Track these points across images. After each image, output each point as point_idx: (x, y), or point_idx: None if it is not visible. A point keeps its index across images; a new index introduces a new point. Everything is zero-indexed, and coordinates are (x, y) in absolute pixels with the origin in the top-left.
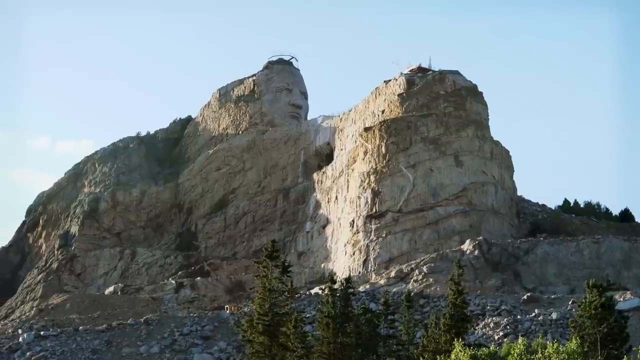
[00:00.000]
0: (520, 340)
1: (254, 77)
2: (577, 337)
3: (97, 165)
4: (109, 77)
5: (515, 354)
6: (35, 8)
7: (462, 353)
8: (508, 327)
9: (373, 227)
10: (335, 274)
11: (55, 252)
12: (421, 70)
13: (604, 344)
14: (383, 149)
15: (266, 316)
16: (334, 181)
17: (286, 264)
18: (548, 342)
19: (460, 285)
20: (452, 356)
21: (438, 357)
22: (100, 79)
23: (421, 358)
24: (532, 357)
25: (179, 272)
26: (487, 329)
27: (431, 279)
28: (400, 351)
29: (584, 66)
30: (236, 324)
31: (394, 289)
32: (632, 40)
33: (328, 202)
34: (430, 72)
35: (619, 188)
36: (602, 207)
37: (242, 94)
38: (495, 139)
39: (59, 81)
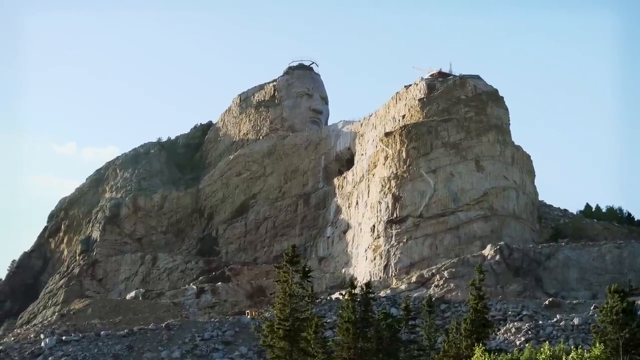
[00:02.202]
0: (546, 345)
1: (275, 83)
2: (600, 343)
3: (118, 171)
4: (132, 84)
5: (541, 359)
6: (62, 9)
7: (483, 358)
8: (529, 332)
9: (394, 232)
10: (356, 279)
11: (77, 258)
12: (442, 75)
13: (625, 350)
14: (404, 154)
15: (287, 321)
16: (354, 186)
17: (306, 269)
18: (572, 348)
19: (481, 290)
20: None
21: None
22: (123, 86)
23: None
24: None
25: (200, 277)
26: (509, 334)
27: (452, 284)
28: (421, 356)
29: (603, 72)
30: (257, 329)
31: (415, 294)
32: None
33: (349, 207)
34: (451, 76)
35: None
36: (624, 211)
37: (262, 99)
38: (516, 143)
39: (85, 88)
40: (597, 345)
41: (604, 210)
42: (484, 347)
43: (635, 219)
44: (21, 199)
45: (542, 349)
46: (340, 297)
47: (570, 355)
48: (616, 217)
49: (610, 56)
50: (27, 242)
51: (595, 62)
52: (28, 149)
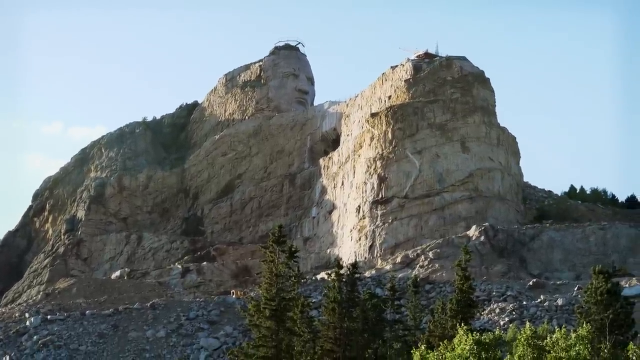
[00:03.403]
0: (527, 325)
1: (261, 63)
2: (586, 323)
3: (103, 150)
4: (118, 63)
5: (522, 339)
6: None
7: (466, 338)
8: (514, 312)
9: (379, 212)
10: (341, 259)
11: (62, 237)
12: (428, 56)
13: (610, 330)
14: (389, 135)
15: (273, 301)
16: (340, 167)
17: (293, 249)
18: (555, 328)
19: (466, 270)
20: (455, 341)
21: (441, 343)
22: (109, 65)
23: (423, 343)
24: (539, 342)
25: (185, 257)
26: (493, 314)
27: (437, 265)
28: (406, 336)
29: (589, 55)
30: (243, 308)
31: (400, 275)
32: (632, 32)
33: (334, 187)
34: (437, 58)
35: (625, 174)
36: (609, 193)
37: (248, 79)
38: (501, 125)
39: (69, 69)
40: (584, 325)
41: (588, 192)
42: (467, 327)
43: (619, 201)
44: (6, 179)
45: (523, 329)
46: (326, 277)
47: (555, 335)
48: (600, 199)
49: (593, 41)
50: (11, 221)
51: (579, 46)
52: (14, 128)
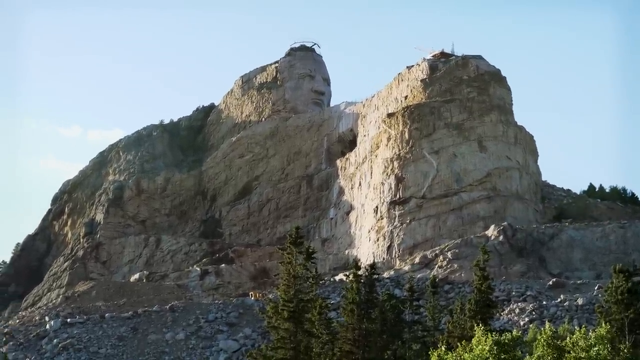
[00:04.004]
0: (547, 325)
1: (277, 64)
2: (606, 323)
3: (121, 153)
4: (135, 66)
5: (542, 340)
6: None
7: (484, 339)
8: (533, 312)
9: (397, 213)
10: (359, 260)
11: (81, 240)
12: (444, 55)
13: (630, 329)
14: (406, 135)
15: (291, 302)
16: (357, 167)
17: (310, 250)
18: (576, 328)
19: (485, 270)
20: (474, 342)
21: (459, 343)
22: (127, 69)
23: (443, 344)
24: (559, 342)
25: (204, 259)
26: (513, 314)
27: (455, 265)
28: (425, 337)
29: (601, 54)
30: (261, 310)
31: (418, 275)
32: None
33: (351, 188)
34: (453, 57)
35: None
36: (628, 191)
37: (264, 81)
38: (519, 124)
39: (90, 73)
40: (603, 325)
41: (607, 190)
42: (485, 328)
43: (639, 199)
44: (26, 182)
45: (543, 330)
46: (344, 278)
47: (575, 335)
48: (620, 197)
49: (611, 43)
50: (31, 225)
51: (596, 47)
52: (33, 132)
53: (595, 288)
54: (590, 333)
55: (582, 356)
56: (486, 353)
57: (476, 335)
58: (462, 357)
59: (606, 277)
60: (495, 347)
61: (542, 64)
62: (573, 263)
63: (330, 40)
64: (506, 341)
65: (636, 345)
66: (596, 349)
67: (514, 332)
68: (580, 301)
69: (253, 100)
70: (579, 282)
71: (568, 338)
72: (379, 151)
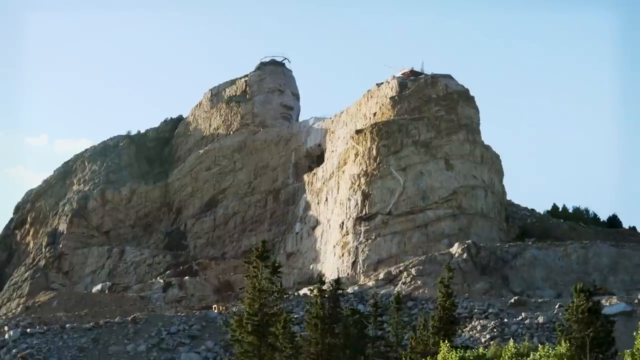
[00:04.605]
0: (511, 343)
1: (246, 78)
2: (566, 341)
3: (86, 164)
4: (104, 77)
5: (507, 357)
6: (33, 8)
7: (450, 355)
8: (495, 330)
9: (362, 229)
10: (324, 275)
11: (43, 250)
12: (413, 73)
13: (590, 348)
14: (374, 152)
15: (256, 316)
16: (324, 183)
17: (276, 264)
18: (539, 346)
19: (449, 288)
20: (440, 358)
21: (424, 359)
22: (95, 79)
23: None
24: (522, 359)
25: (167, 272)
26: (474, 331)
27: (419, 282)
28: (388, 352)
29: (577, 70)
30: (225, 323)
31: (382, 291)
32: (628, 43)
33: (318, 203)
34: (423, 75)
35: (608, 194)
36: (591, 212)
37: (233, 94)
38: (485, 143)
39: (56, 81)
40: (563, 343)
41: (570, 211)
42: (450, 344)
43: (601, 220)
44: None
45: (507, 346)
46: (309, 292)
47: (538, 353)
48: (582, 218)
49: (599, 57)
50: None
51: (582, 64)
52: (1, 141)
53: (556, 307)
54: (550, 350)
55: None
56: None
57: (441, 352)
58: None
59: (567, 296)
60: None
61: (517, 82)
62: (535, 282)
63: (300, 56)
64: (471, 358)
65: None
66: None
67: (480, 349)
68: (540, 319)
69: (222, 114)
70: (540, 300)
71: (531, 355)
72: (346, 167)
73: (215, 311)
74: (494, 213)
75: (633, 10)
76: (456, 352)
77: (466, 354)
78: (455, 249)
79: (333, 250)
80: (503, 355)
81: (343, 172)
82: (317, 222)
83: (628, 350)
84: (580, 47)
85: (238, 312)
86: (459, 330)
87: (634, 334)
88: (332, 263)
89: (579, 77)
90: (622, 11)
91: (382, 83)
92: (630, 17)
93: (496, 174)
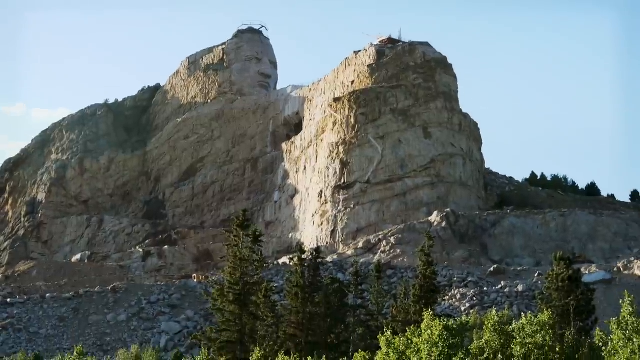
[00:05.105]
0: (493, 311)
1: (224, 46)
2: (547, 309)
3: (64, 133)
4: (82, 46)
5: (490, 325)
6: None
7: (434, 324)
8: (474, 298)
9: (341, 197)
10: (303, 244)
11: (22, 219)
12: (391, 41)
13: (573, 316)
14: (352, 120)
15: (237, 285)
16: (302, 151)
17: (257, 233)
18: (522, 314)
19: (430, 256)
20: (423, 327)
21: (408, 328)
22: (73, 48)
23: (388, 328)
24: (506, 327)
25: (147, 241)
26: (454, 300)
27: (399, 250)
28: (369, 321)
29: (556, 37)
30: (206, 292)
31: (362, 260)
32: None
33: (296, 172)
34: (400, 43)
35: (586, 161)
36: (569, 180)
37: (211, 62)
38: (464, 111)
39: (34, 50)
40: (545, 311)
41: (549, 179)
42: (432, 313)
43: (580, 188)
44: None
45: (489, 315)
46: (288, 261)
47: (520, 321)
48: (561, 186)
49: (553, 25)
50: None
51: (545, 29)
52: None
53: (535, 275)
54: (533, 319)
55: (529, 342)
56: (436, 338)
57: (425, 320)
58: (411, 341)
59: (546, 264)
60: (445, 332)
61: (495, 50)
62: (514, 250)
63: (277, 24)
64: (455, 327)
65: (579, 332)
66: (541, 334)
67: (463, 318)
68: (520, 288)
69: (199, 82)
70: (519, 268)
71: (514, 323)
72: (324, 135)
73: (195, 280)
74: (473, 181)
75: None
76: (438, 321)
77: (450, 323)
78: (434, 217)
79: (312, 219)
80: (486, 323)
81: (321, 140)
82: (296, 191)
83: (614, 319)
84: (560, 18)
85: (218, 281)
86: (440, 299)
87: (620, 302)
88: (311, 232)
89: (558, 43)
90: None
91: (360, 51)
92: None
93: (475, 142)
